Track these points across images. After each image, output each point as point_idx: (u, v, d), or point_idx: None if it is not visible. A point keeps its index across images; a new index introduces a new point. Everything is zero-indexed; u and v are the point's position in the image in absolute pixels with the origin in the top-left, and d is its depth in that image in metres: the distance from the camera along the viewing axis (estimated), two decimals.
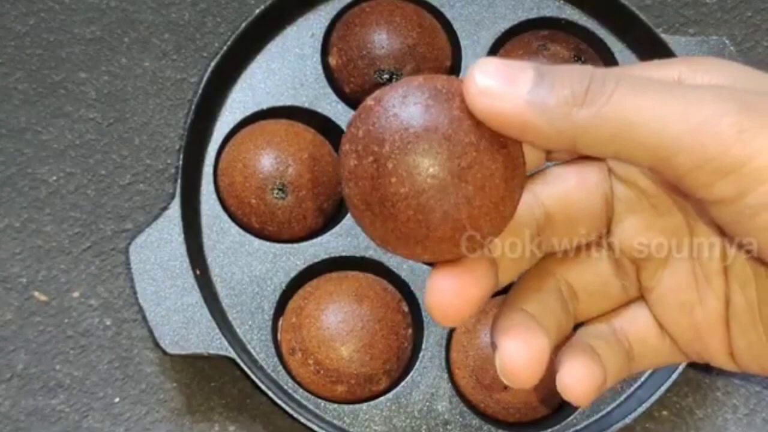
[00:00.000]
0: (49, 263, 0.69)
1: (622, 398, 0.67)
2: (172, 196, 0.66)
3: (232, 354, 0.63)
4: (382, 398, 0.65)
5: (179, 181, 0.67)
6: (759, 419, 0.69)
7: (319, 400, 0.65)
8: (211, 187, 0.68)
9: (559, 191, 0.38)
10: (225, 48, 0.69)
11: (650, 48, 0.71)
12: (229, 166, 0.68)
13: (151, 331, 0.64)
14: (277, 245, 0.68)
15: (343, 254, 0.68)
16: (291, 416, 0.63)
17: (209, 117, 0.70)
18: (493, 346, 0.37)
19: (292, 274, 0.67)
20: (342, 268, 0.68)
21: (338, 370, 0.64)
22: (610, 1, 0.72)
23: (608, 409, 0.67)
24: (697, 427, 0.69)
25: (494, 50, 0.72)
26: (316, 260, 0.68)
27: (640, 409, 0.64)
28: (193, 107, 0.68)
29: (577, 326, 0.40)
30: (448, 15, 0.73)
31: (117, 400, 0.67)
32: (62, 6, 0.74)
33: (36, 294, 0.68)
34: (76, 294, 0.69)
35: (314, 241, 0.68)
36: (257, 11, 0.70)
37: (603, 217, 0.39)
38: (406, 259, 0.35)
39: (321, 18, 0.72)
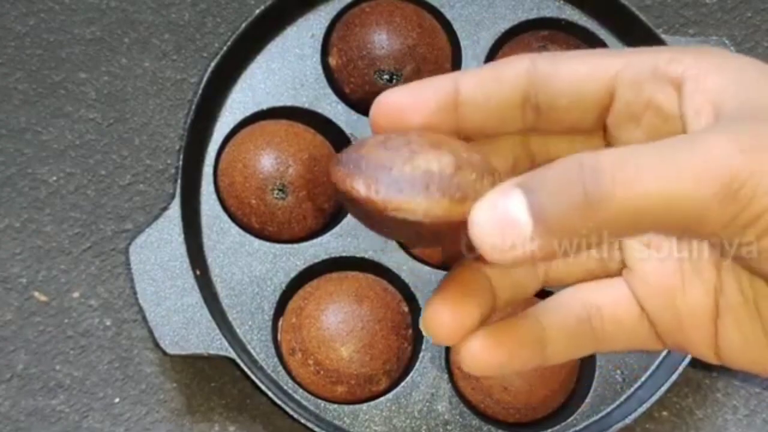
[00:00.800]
0: (49, 263, 0.69)
1: (622, 398, 0.67)
2: (172, 197, 0.66)
3: (232, 354, 0.63)
4: (382, 399, 0.65)
5: (179, 181, 0.67)
6: (759, 420, 0.69)
7: (319, 401, 0.65)
8: (211, 188, 0.68)
9: None
10: (225, 48, 0.69)
11: None
12: (229, 166, 0.68)
13: (151, 332, 0.64)
14: (277, 245, 0.68)
15: (343, 255, 0.68)
16: (291, 416, 0.63)
17: (209, 117, 0.70)
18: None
19: (292, 275, 0.67)
20: (342, 268, 0.68)
21: (338, 370, 0.64)
22: (611, 2, 0.72)
23: (608, 409, 0.67)
24: (697, 428, 0.69)
25: (494, 50, 0.72)
26: (316, 260, 0.68)
27: (641, 410, 0.64)
28: (193, 107, 0.68)
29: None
30: (448, 15, 0.73)
31: (117, 400, 0.67)
32: (62, 6, 0.74)
33: (36, 294, 0.68)
34: (76, 294, 0.69)
35: (314, 241, 0.68)
36: (257, 11, 0.70)
37: None
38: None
39: (321, 18, 0.72)
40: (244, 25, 0.70)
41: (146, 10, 0.74)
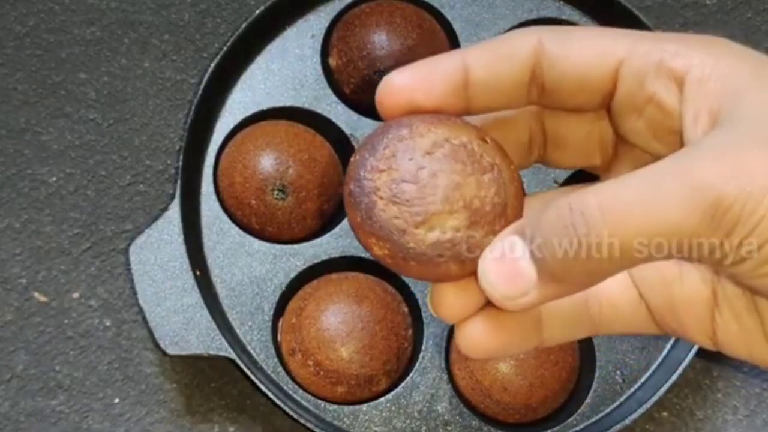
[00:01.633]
0: (49, 264, 0.69)
1: (621, 399, 0.67)
2: (172, 197, 0.66)
3: (232, 355, 0.63)
4: (382, 399, 0.65)
5: (179, 181, 0.67)
6: (759, 420, 0.69)
7: (319, 401, 0.65)
8: (211, 188, 0.68)
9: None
10: (225, 49, 0.69)
11: None
12: (229, 166, 0.68)
13: (151, 332, 0.64)
14: (277, 246, 0.68)
15: (343, 255, 0.68)
16: (291, 417, 0.63)
17: (209, 118, 0.70)
18: None
19: (292, 275, 0.67)
20: (342, 269, 0.68)
21: (338, 370, 0.64)
22: (610, 2, 0.72)
23: (608, 410, 0.67)
24: (697, 428, 0.69)
25: None
26: (316, 261, 0.68)
27: (640, 410, 0.64)
28: (193, 108, 0.68)
29: None
30: (448, 16, 0.73)
31: (117, 400, 0.67)
32: (62, 7, 0.74)
33: (36, 295, 0.68)
34: (75, 295, 0.69)
35: (314, 242, 0.68)
36: (257, 12, 0.70)
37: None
38: None
39: (321, 19, 0.72)
40: (244, 26, 0.70)
41: (146, 10, 0.74)
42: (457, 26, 0.72)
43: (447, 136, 0.35)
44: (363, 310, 0.65)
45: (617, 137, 0.39)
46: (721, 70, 0.34)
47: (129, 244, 0.65)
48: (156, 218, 0.66)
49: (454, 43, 0.72)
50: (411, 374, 0.66)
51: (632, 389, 0.67)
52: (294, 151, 0.68)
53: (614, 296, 0.39)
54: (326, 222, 0.69)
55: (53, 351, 0.67)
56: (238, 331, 0.66)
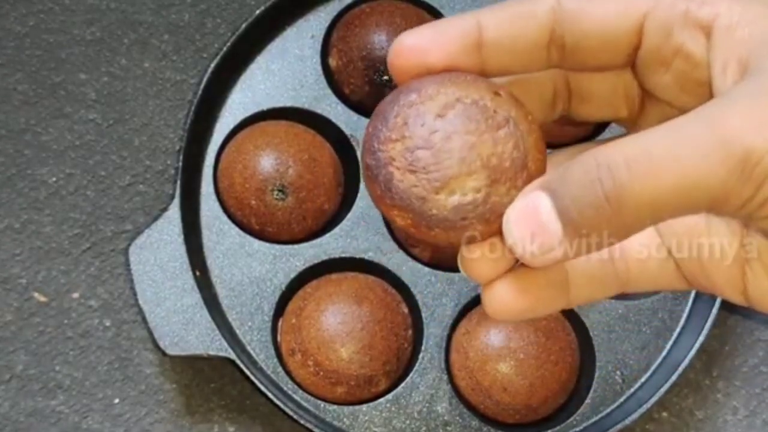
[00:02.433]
0: (49, 264, 0.69)
1: (622, 399, 0.67)
2: (172, 197, 0.66)
3: (232, 355, 0.63)
4: (381, 399, 0.65)
5: (179, 182, 0.67)
6: (759, 421, 0.69)
7: (319, 402, 0.65)
8: (211, 188, 0.68)
9: None
10: (225, 49, 0.69)
11: None
12: (228, 167, 0.68)
13: (150, 332, 0.64)
14: (277, 246, 0.68)
15: (343, 255, 0.68)
16: (291, 417, 0.63)
17: (209, 118, 0.70)
18: None
19: (292, 276, 0.67)
20: (342, 269, 0.68)
21: (338, 371, 0.64)
22: None
23: (608, 410, 0.67)
24: (697, 429, 0.69)
25: None
26: (315, 261, 0.68)
27: (640, 411, 0.64)
28: (192, 108, 0.68)
29: None
30: (448, 16, 0.72)
31: (117, 401, 0.67)
32: (62, 7, 0.74)
33: (36, 295, 0.68)
34: (75, 295, 0.69)
35: (314, 242, 0.68)
36: (257, 12, 0.70)
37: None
38: None
39: (321, 19, 0.72)
40: (244, 26, 0.69)
41: (146, 10, 0.74)
42: None
43: (458, 95, 0.34)
44: (363, 310, 0.65)
45: (643, 91, 0.38)
46: (750, 17, 0.33)
47: (129, 245, 0.65)
48: (156, 218, 0.66)
49: None
50: (411, 375, 0.66)
51: (632, 389, 0.67)
52: (294, 151, 0.68)
53: (641, 253, 0.38)
54: (326, 222, 0.69)
55: (53, 351, 0.67)
56: (237, 331, 0.66)
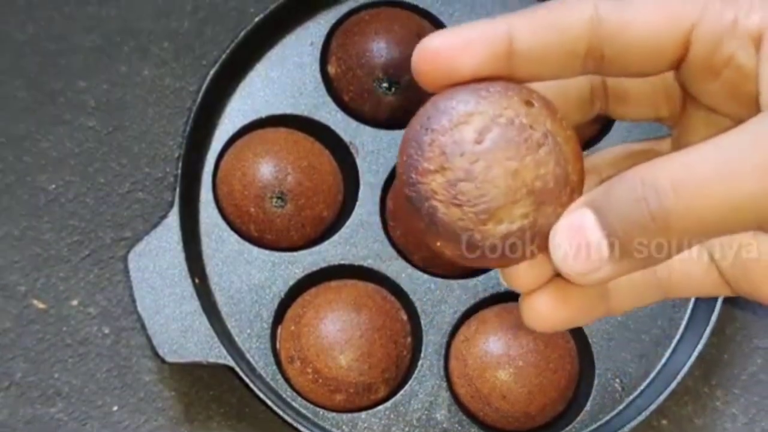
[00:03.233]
0: (48, 271, 0.69)
1: (620, 407, 0.67)
2: (171, 205, 0.66)
3: (231, 362, 0.63)
4: (380, 407, 0.65)
5: (178, 189, 0.67)
6: (758, 429, 0.69)
7: (318, 409, 0.65)
8: (210, 196, 0.68)
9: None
10: (224, 56, 0.69)
11: None
12: (228, 174, 0.68)
13: (149, 340, 0.63)
14: (276, 253, 0.68)
15: (342, 263, 0.68)
16: (289, 424, 0.63)
17: (208, 125, 0.70)
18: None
19: (291, 283, 0.67)
20: (341, 276, 0.68)
21: (337, 378, 0.64)
22: None
23: (607, 417, 0.66)
24: None
25: None
26: (314, 269, 0.68)
27: (639, 418, 0.64)
28: (192, 115, 0.68)
29: None
30: (447, 24, 0.73)
31: (115, 408, 0.67)
32: (62, 14, 0.74)
33: (35, 302, 0.68)
34: (74, 302, 0.69)
35: (313, 249, 0.68)
36: (256, 20, 0.70)
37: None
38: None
39: (320, 27, 0.72)
40: (243, 34, 0.70)
41: (145, 18, 0.75)
42: None
43: (492, 114, 0.33)
44: (362, 317, 0.65)
45: (685, 93, 0.37)
46: None
47: (128, 252, 0.65)
48: (155, 226, 0.66)
49: None
50: (410, 382, 0.66)
51: (631, 397, 0.67)
52: (293, 158, 0.68)
53: (684, 259, 0.37)
54: (325, 229, 0.69)
55: (52, 358, 0.67)
56: (236, 338, 0.66)
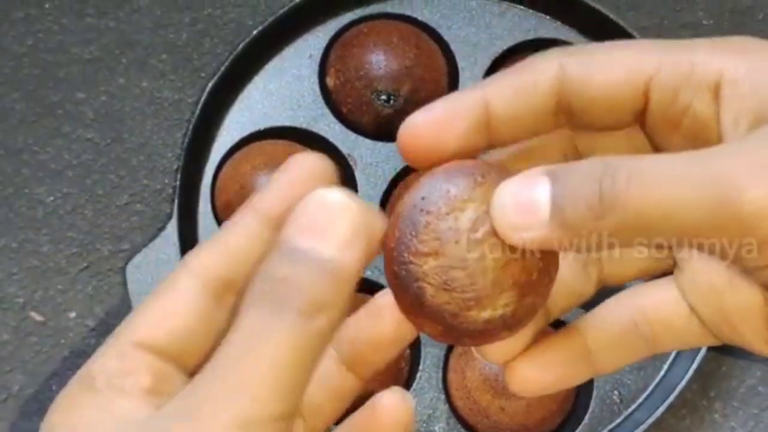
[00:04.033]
0: (46, 283, 0.69)
1: (619, 420, 0.67)
2: (169, 217, 0.66)
3: None
4: None
5: (176, 201, 0.67)
6: None
7: None
8: (208, 208, 0.68)
9: None
10: (222, 68, 0.69)
11: None
12: (226, 186, 0.68)
13: None
14: None
15: None
16: None
17: (207, 137, 0.70)
18: None
19: None
20: None
21: None
22: (608, 23, 0.72)
23: (605, 430, 0.66)
24: None
25: (491, 71, 0.72)
26: None
27: (638, 431, 0.64)
28: (190, 128, 0.68)
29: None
30: (446, 36, 0.73)
31: None
32: (60, 27, 0.74)
33: (32, 314, 0.68)
34: (72, 314, 0.69)
35: None
36: (255, 32, 0.70)
37: None
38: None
39: (319, 39, 0.72)
40: (241, 46, 0.70)
41: (144, 30, 0.75)
42: (454, 47, 0.72)
43: (486, 204, 0.33)
44: None
45: (654, 149, 0.37)
46: (756, 69, 0.33)
47: (126, 264, 0.65)
48: (153, 238, 0.66)
49: (451, 63, 0.72)
50: None
51: (630, 410, 0.67)
52: None
53: (665, 313, 0.38)
54: None
55: (49, 371, 0.67)
56: None
